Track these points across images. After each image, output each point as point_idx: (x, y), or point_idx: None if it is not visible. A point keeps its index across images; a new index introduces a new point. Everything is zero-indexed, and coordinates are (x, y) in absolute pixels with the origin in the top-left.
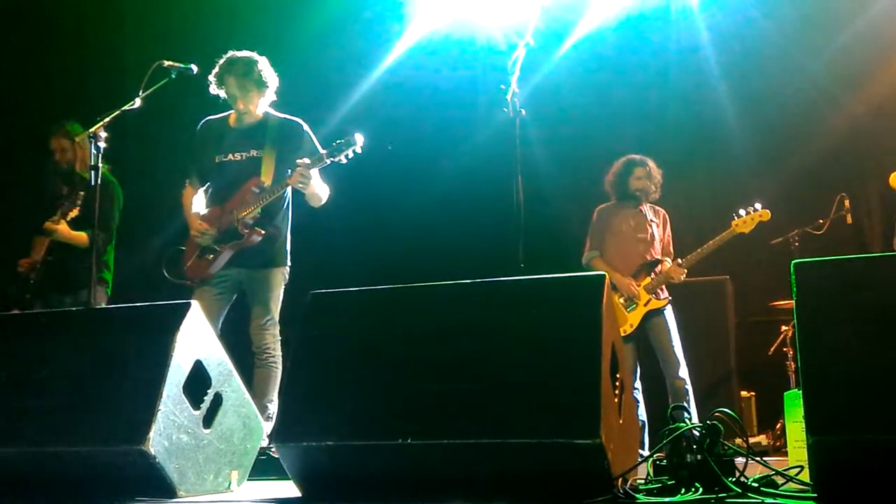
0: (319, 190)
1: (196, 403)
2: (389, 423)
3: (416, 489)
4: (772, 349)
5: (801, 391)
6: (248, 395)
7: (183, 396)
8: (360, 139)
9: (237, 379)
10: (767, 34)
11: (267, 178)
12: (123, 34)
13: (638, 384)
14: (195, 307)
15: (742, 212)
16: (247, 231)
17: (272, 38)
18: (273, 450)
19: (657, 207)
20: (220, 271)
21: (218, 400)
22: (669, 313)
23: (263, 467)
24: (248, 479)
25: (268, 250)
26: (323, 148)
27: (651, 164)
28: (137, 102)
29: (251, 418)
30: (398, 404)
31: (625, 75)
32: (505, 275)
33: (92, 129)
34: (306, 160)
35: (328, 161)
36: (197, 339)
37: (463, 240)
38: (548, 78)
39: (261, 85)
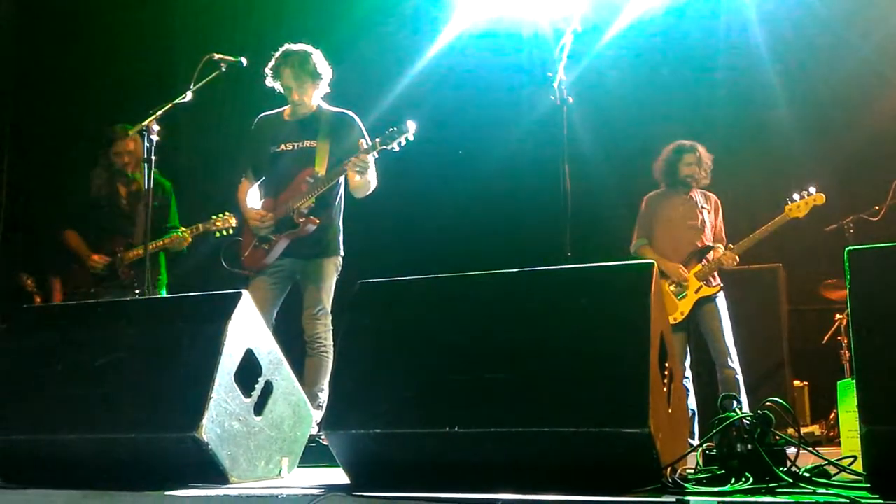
0: (371, 178)
1: (247, 391)
2: (436, 412)
3: (463, 478)
4: (825, 338)
5: (854, 380)
6: (297, 384)
7: (234, 384)
8: (412, 126)
9: (287, 367)
10: (818, 15)
11: (321, 169)
12: (174, 30)
13: (688, 373)
14: (246, 296)
15: (796, 196)
16: (302, 220)
17: (318, 31)
18: (322, 437)
19: (708, 193)
20: (275, 261)
21: (268, 388)
22: (721, 301)
23: (313, 454)
24: (298, 466)
25: (321, 240)
26: (374, 137)
27: (701, 149)
28: (188, 96)
29: (301, 406)
30: (445, 393)
31: (673, 60)
32: (552, 264)
33: (144, 123)
34: (363, 144)
35: (381, 148)
36: (248, 328)
37: (509, 228)
38: (594, 65)
39: (315, 76)
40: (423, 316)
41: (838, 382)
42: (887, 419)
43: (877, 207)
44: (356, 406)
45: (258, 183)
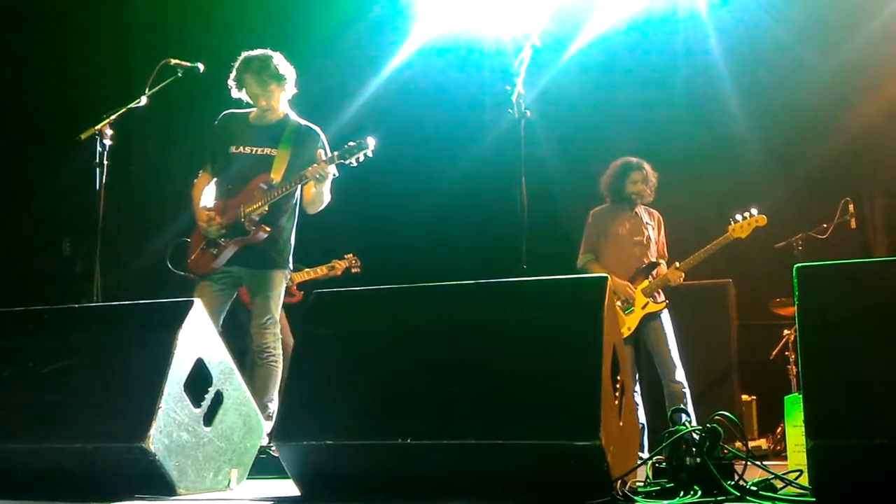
0: (326, 193)
1: (197, 401)
2: (390, 423)
3: (415, 489)
4: (773, 353)
5: (801, 395)
6: (248, 394)
7: (184, 394)
8: (372, 143)
9: (238, 377)
10: (777, 37)
11: (276, 176)
12: (132, 34)
13: (637, 387)
14: (198, 305)
15: (738, 217)
16: (253, 228)
17: (277, 42)
18: (273, 449)
19: (652, 210)
20: (223, 267)
21: (219, 398)
22: (666, 317)
23: (263, 466)
24: (247, 478)
25: (271, 251)
26: (333, 150)
27: (647, 167)
28: (143, 100)
29: (251, 417)
30: (399, 404)
31: (632, 78)
32: (509, 276)
33: (98, 127)
34: (322, 155)
35: (339, 162)
36: (199, 337)
37: (468, 241)
38: (556, 80)
39: (279, 78)
40: (378, 327)
41: (785, 397)
42: (833, 434)
43: (825, 225)
44: (308, 417)
45: (214, 181)
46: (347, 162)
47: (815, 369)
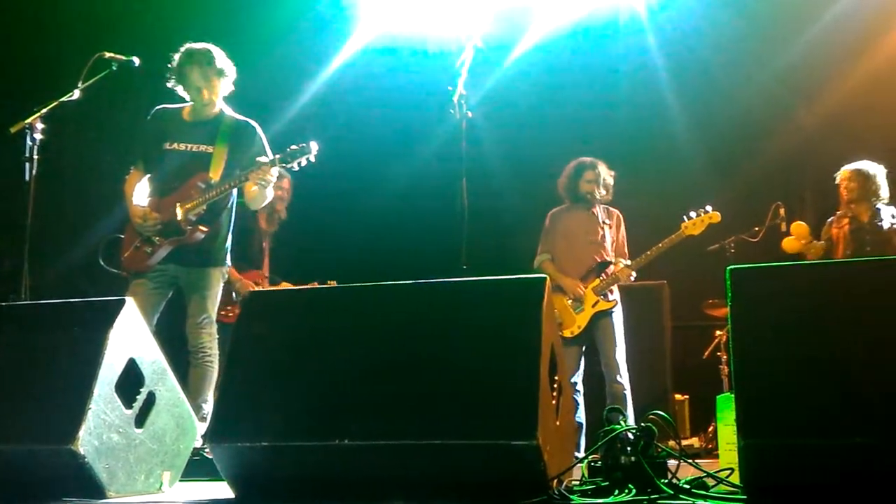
0: (270, 191)
1: (128, 402)
2: (326, 424)
3: (352, 490)
4: (706, 353)
5: (733, 395)
6: (182, 395)
7: (115, 395)
8: (314, 147)
9: (171, 378)
10: (715, 43)
11: (215, 175)
12: (66, 26)
13: (580, 386)
14: (130, 304)
15: (693, 214)
16: (189, 228)
17: (217, 36)
18: (207, 450)
19: (611, 209)
20: (158, 265)
21: (151, 399)
22: (618, 316)
23: (196, 468)
24: (180, 480)
25: (208, 249)
26: (275, 152)
27: (601, 166)
28: (76, 94)
29: (185, 418)
30: (335, 405)
31: (576, 80)
32: (448, 276)
33: (28, 121)
34: (265, 158)
35: (280, 166)
36: (131, 337)
37: (409, 241)
38: (500, 82)
39: (221, 73)
40: (314, 327)
41: (717, 396)
42: (764, 433)
43: (756, 229)
44: (243, 418)
45: (147, 177)
46: (289, 166)
47: (747, 369)
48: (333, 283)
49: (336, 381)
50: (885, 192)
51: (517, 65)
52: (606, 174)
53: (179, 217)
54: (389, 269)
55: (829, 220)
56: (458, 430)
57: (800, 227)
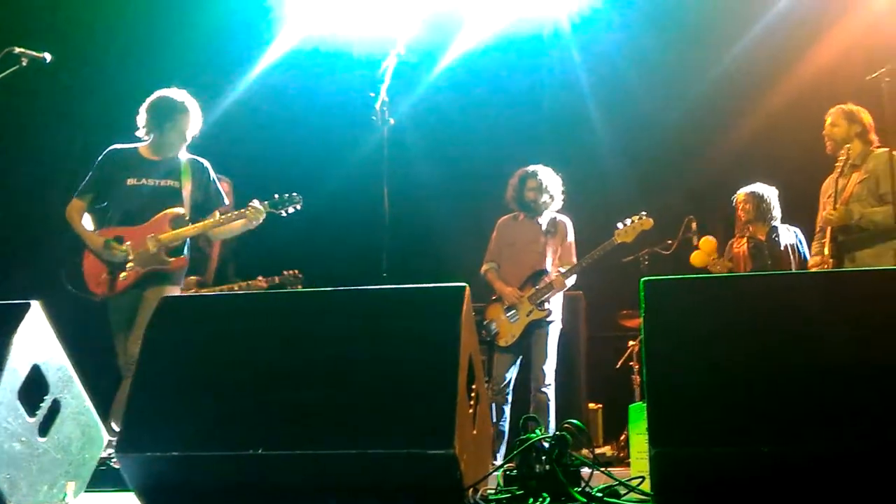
0: (241, 230)
1: (32, 410)
2: (240, 434)
3: (267, 501)
4: (619, 363)
5: (645, 404)
6: (89, 403)
7: (17, 402)
8: (300, 199)
9: (78, 385)
10: (637, 62)
11: (186, 209)
12: None
13: (510, 396)
14: (35, 308)
15: (627, 221)
16: (171, 259)
17: (135, 34)
18: (114, 460)
19: (559, 217)
20: (129, 287)
21: (56, 407)
22: (554, 326)
23: (103, 478)
24: (85, 491)
25: (174, 270)
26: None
27: (544, 174)
28: None
29: (91, 427)
30: (250, 414)
31: (503, 91)
32: (368, 284)
33: None
34: (256, 203)
35: (270, 211)
36: (35, 343)
37: (334, 248)
38: (429, 90)
39: (195, 124)
40: (230, 334)
41: (630, 406)
42: (674, 442)
43: (669, 242)
44: (154, 427)
45: (100, 208)
46: (278, 212)
47: (659, 379)
48: (293, 273)
49: (250, 389)
50: (777, 212)
51: (445, 73)
52: (551, 181)
53: (153, 249)
54: (311, 276)
55: (731, 241)
56: (375, 439)
57: (708, 242)
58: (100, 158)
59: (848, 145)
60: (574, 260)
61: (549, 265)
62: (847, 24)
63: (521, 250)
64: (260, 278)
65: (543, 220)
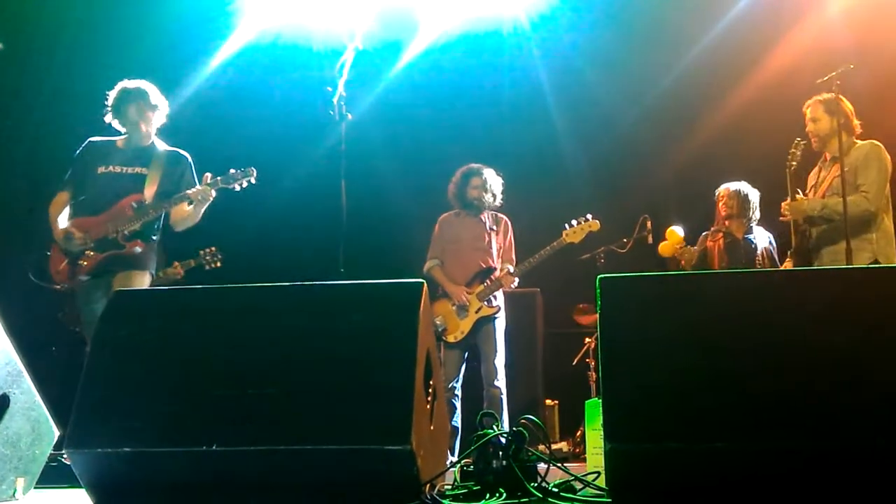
0: (199, 214)
1: None
2: (193, 429)
3: (220, 497)
4: (575, 359)
5: (601, 400)
6: (39, 398)
7: None
8: (254, 172)
9: (28, 380)
10: (595, 61)
11: (148, 194)
12: None
13: (458, 391)
14: None
15: (574, 222)
16: (128, 243)
17: (94, 30)
18: (65, 456)
19: (499, 215)
20: (92, 275)
21: (4, 402)
22: (500, 322)
23: (53, 475)
24: (35, 487)
25: (138, 255)
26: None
27: (488, 173)
28: None
29: (41, 422)
30: (204, 409)
31: (462, 86)
32: (325, 279)
33: None
34: (207, 176)
35: (221, 186)
36: None
37: (291, 243)
38: (389, 85)
39: (156, 108)
40: (183, 328)
41: (586, 402)
42: (629, 438)
43: (625, 240)
44: (104, 422)
45: (76, 200)
46: (231, 186)
47: (614, 376)
48: (211, 251)
49: (203, 384)
50: (757, 214)
51: (405, 70)
52: (494, 180)
53: (114, 234)
54: (268, 271)
55: (705, 233)
56: (331, 435)
57: (673, 233)
58: (78, 151)
59: (798, 138)
60: (513, 257)
61: (495, 262)
62: (801, 27)
63: (466, 247)
64: (175, 264)
65: (486, 218)
